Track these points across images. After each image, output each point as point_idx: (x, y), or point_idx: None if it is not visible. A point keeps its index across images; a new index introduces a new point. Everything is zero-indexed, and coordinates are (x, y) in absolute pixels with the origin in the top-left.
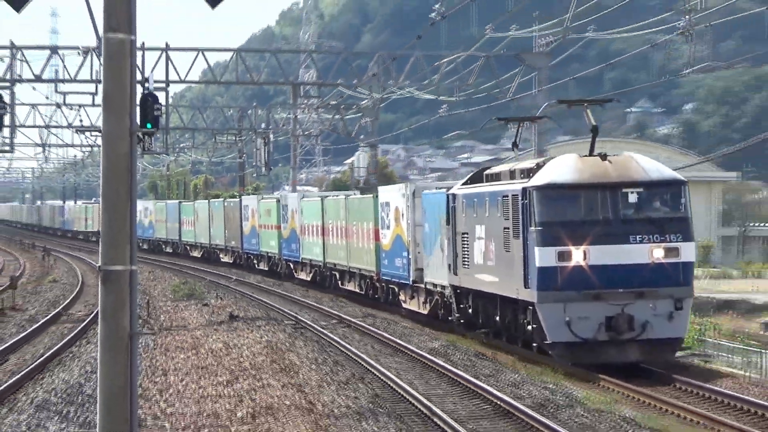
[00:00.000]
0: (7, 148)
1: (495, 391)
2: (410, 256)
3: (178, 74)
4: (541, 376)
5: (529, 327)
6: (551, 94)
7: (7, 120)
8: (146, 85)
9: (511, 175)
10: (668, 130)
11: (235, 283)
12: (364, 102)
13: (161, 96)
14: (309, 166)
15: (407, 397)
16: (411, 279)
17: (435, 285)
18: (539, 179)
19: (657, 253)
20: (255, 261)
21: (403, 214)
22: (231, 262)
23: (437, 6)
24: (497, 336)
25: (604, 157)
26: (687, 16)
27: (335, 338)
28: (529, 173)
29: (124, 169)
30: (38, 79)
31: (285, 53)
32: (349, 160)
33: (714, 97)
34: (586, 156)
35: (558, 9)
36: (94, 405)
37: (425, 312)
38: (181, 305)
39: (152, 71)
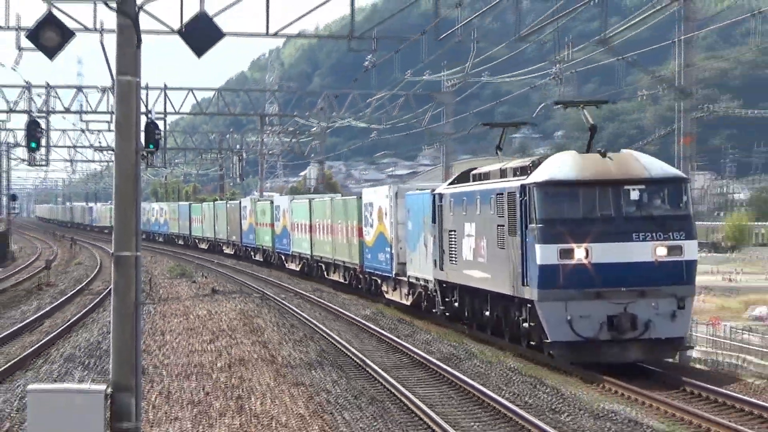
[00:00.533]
0: (43, 163)
1: (412, 347)
2: (393, 252)
3: (173, 107)
4: (448, 337)
5: (525, 324)
6: (456, 124)
7: (43, 142)
8: (149, 115)
9: (502, 173)
10: (544, 151)
11: (217, 265)
12: (314, 129)
13: (160, 124)
14: (272, 177)
15: (346, 351)
16: (394, 272)
17: (418, 278)
18: (539, 176)
19: (660, 251)
20: (252, 253)
21: (386, 214)
22: (232, 253)
23: (369, 57)
24: (481, 329)
25: (603, 154)
26: (557, 65)
27: (292, 307)
28: (525, 171)
29: (131, 179)
30: (67, 110)
31: (254, 92)
32: (302, 173)
33: (578, 125)
34: (584, 153)
35: (461, 58)
36: (108, 357)
37: (408, 303)
38: (175, 282)
39: (154, 104)
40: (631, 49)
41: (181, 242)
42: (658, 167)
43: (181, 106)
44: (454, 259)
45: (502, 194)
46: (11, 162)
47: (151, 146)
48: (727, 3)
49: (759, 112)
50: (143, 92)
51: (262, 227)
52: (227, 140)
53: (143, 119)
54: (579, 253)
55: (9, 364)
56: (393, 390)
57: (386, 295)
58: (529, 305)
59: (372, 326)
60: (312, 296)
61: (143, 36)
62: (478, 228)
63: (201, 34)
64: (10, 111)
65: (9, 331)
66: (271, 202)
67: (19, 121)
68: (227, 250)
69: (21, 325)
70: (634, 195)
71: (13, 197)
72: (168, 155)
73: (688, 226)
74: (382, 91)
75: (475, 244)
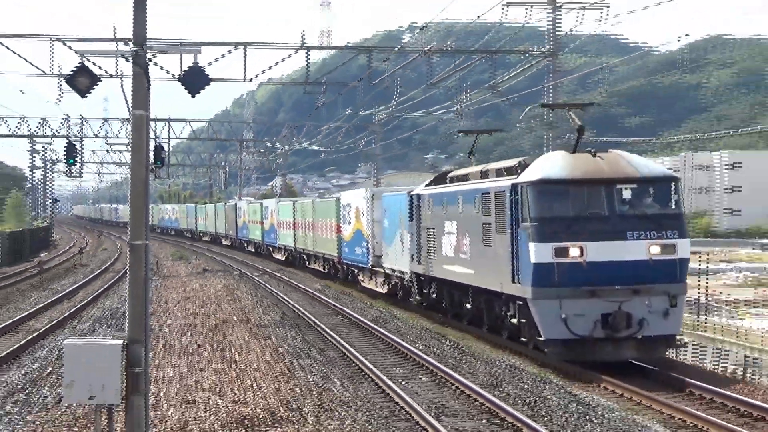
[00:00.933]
0: (78, 174)
1: (350, 312)
2: (369, 246)
3: (174, 133)
4: (377, 305)
5: (514, 320)
6: (384, 147)
7: (77, 159)
8: (156, 140)
9: (483, 175)
10: (449, 168)
11: (213, 253)
12: (279, 150)
13: (165, 146)
14: (248, 186)
15: (301, 315)
16: (370, 264)
17: (394, 270)
18: (532, 175)
19: (654, 249)
20: (245, 245)
21: (363, 213)
22: (229, 245)
23: (320, 97)
24: (457, 318)
25: (594, 153)
26: (459, 104)
27: (261, 281)
28: (513, 171)
29: (142, 187)
30: (96, 136)
31: (235, 123)
32: (271, 183)
33: (482, 152)
34: (574, 153)
35: (388, 99)
36: (125, 319)
37: (384, 291)
38: (176, 263)
39: (160, 131)
40: (513, 92)
41: (188, 235)
42: (648, 167)
43: (181, 132)
44: (432, 254)
45: (488, 194)
46: (54, 174)
47: (158, 163)
48: (583, 60)
49: (606, 139)
50: (152, 122)
51: (254, 224)
52: (215, 158)
53: (152, 143)
54: (574, 252)
55: (52, 323)
56: (336, 343)
57: (362, 283)
58: (519, 302)
59: (321, 297)
60: (280, 275)
61: (152, 80)
62: (459, 226)
63: (194, 79)
64: (54, 136)
65: (52, 299)
66: (261, 204)
67: (60, 144)
68: (225, 242)
69: (61, 295)
70: (627, 194)
71: (55, 200)
72: (170, 169)
73: (680, 225)
74: (330, 123)
75: (456, 241)
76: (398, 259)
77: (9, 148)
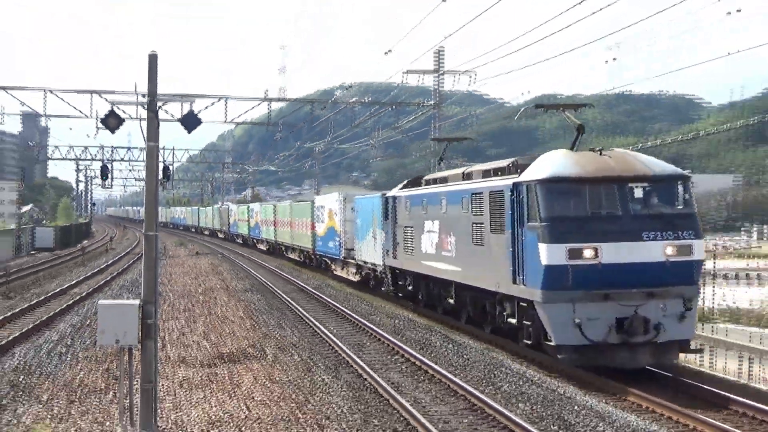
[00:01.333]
0: (109, 186)
1: (306, 286)
2: (341, 241)
3: (177, 158)
4: (316, 278)
5: (512, 320)
6: (322, 169)
7: (109, 175)
8: (164, 162)
9: (466, 176)
10: (368, 182)
11: (211, 243)
12: (249, 170)
13: (170, 167)
14: (228, 195)
15: (266, 285)
16: (342, 256)
17: (366, 262)
18: (539, 172)
19: (670, 250)
20: (235, 237)
21: (336, 213)
22: (223, 237)
23: (278, 134)
24: (430, 307)
25: (600, 152)
26: (373, 140)
27: (238, 261)
28: (509, 171)
29: (153, 195)
30: (122, 159)
31: (219, 151)
32: (244, 192)
33: (389, 173)
34: (579, 151)
35: (325, 135)
36: (141, 287)
37: (356, 280)
38: (177, 248)
39: (166, 157)
40: (412, 131)
41: (193, 230)
42: (659, 165)
43: (181, 157)
44: (410, 251)
45: (480, 194)
46: (92, 186)
47: (165, 178)
48: (458, 109)
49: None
50: (161, 150)
51: (242, 222)
52: (205, 175)
53: (161, 164)
54: (588, 253)
55: (90, 290)
56: (288, 303)
57: (334, 272)
58: (522, 303)
59: (278, 271)
60: (251, 256)
61: (161, 121)
62: (443, 225)
63: (190, 121)
64: (92, 159)
65: (90, 273)
66: (248, 207)
67: (97, 165)
68: (220, 235)
69: (96, 270)
70: (639, 192)
71: (93, 204)
72: (173, 182)
73: (695, 225)
74: (285, 151)
75: (439, 239)
76: (370, 253)
77: (62, 168)
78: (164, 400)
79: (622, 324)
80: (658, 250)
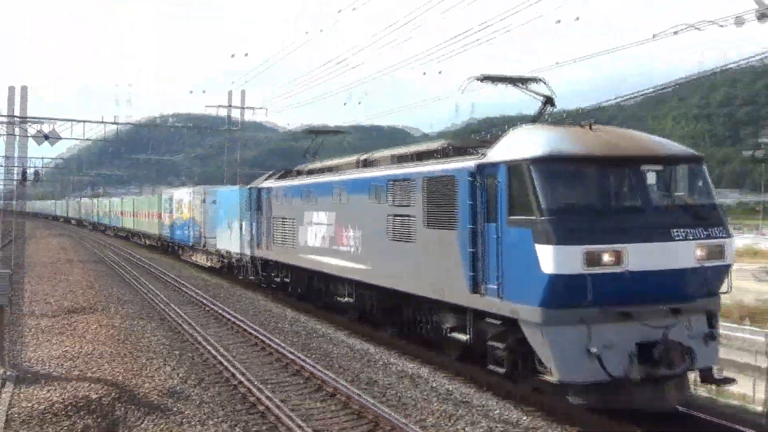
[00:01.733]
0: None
1: (133, 255)
2: (197, 230)
3: (45, 165)
4: (163, 260)
5: (462, 336)
6: (157, 175)
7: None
8: (35, 167)
9: (367, 163)
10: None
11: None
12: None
13: (40, 171)
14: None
15: (138, 259)
16: (192, 243)
17: (226, 251)
18: (530, 150)
19: (699, 252)
20: (103, 228)
21: (193, 204)
22: (92, 228)
23: (110, 148)
24: (302, 299)
25: (590, 126)
26: (184, 154)
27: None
28: (458, 153)
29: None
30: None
31: (79, 158)
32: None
33: (208, 178)
34: (564, 126)
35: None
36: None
37: (217, 267)
38: (42, 231)
39: (36, 163)
40: (214, 148)
41: (61, 220)
42: (669, 142)
43: (49, 164)
44: (286, 243)
45: (410, 180)
46: None
47: (35, 179)
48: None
49: None
50: (32, 159)
51: (104, 214)
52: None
53: (32, 169)
54: (609, 258)
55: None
56: (122, 271)
57: (183, 257)
58: (493, 321)
59: (123, 252)
60: (117, 243)
61: (31, 137)
62: (340, 218)
63: (53, 137)
64: None
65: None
66: (109, 200)
67: None
68: (86, 225)
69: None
70: (653, 177)
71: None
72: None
73: (723, 220)
74: (129, 161)
75: (332, 232)
76: (230, 243)
77: None
78: (29, 344)
79: (645, 351)
80: (688, 253)
